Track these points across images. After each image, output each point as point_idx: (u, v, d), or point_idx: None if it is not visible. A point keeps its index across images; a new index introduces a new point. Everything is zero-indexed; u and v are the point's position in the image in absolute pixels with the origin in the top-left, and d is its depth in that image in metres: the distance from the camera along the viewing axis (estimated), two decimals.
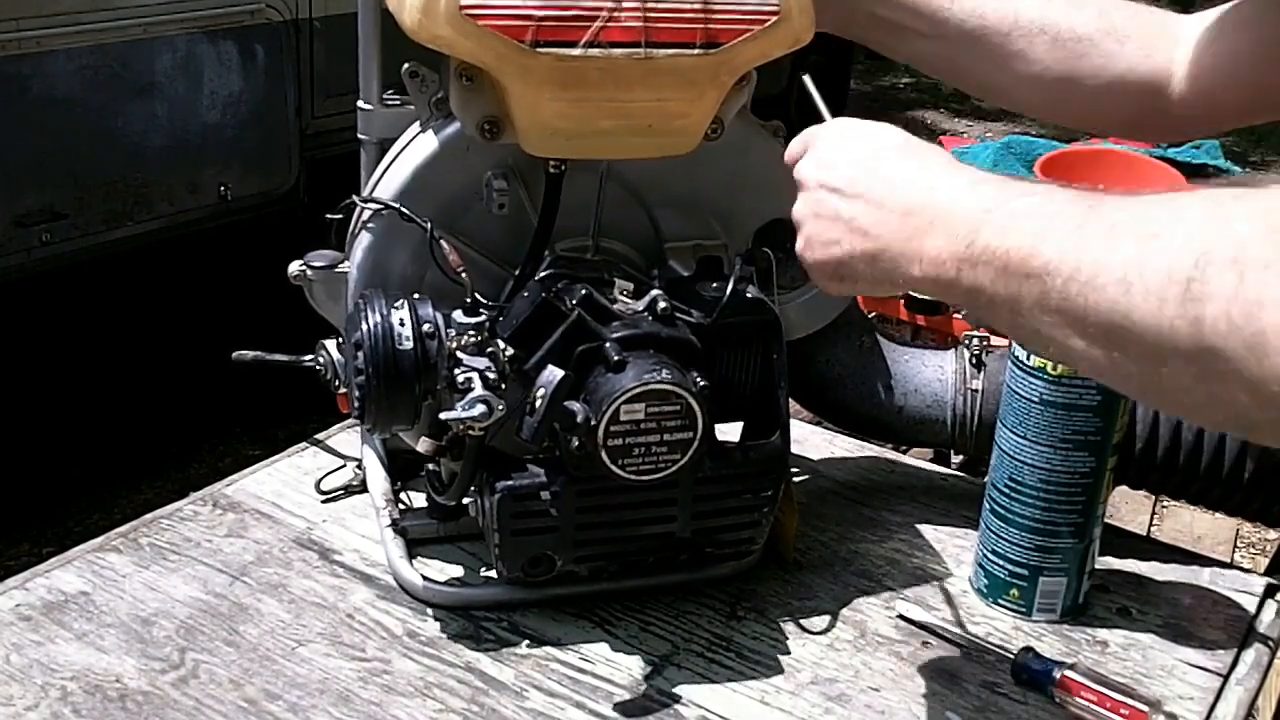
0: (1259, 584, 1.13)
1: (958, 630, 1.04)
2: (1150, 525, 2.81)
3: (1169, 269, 0.56)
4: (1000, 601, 1.07)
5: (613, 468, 0.95)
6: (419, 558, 1.09)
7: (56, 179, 2.79)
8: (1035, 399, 1.01)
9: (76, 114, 2.78)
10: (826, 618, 1.06)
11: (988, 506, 1.07)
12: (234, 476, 1.23)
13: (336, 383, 1.05)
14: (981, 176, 0.72)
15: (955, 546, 1.17)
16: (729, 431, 1.06)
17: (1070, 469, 1.02)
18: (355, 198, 1.09)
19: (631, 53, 0.96)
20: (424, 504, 1.13)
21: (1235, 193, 0.58)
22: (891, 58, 1.16)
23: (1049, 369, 0.99)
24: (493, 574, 1.05)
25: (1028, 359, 1.01)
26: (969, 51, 1.07)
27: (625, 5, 0.95)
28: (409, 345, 0.94)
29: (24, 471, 2.98)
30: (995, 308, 0.67)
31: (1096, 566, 1.08)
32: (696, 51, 0.97)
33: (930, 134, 6.42)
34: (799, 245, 0.83)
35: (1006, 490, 1.05)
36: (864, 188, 0.76)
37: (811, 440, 1.36)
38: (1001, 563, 1.06)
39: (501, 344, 0.97)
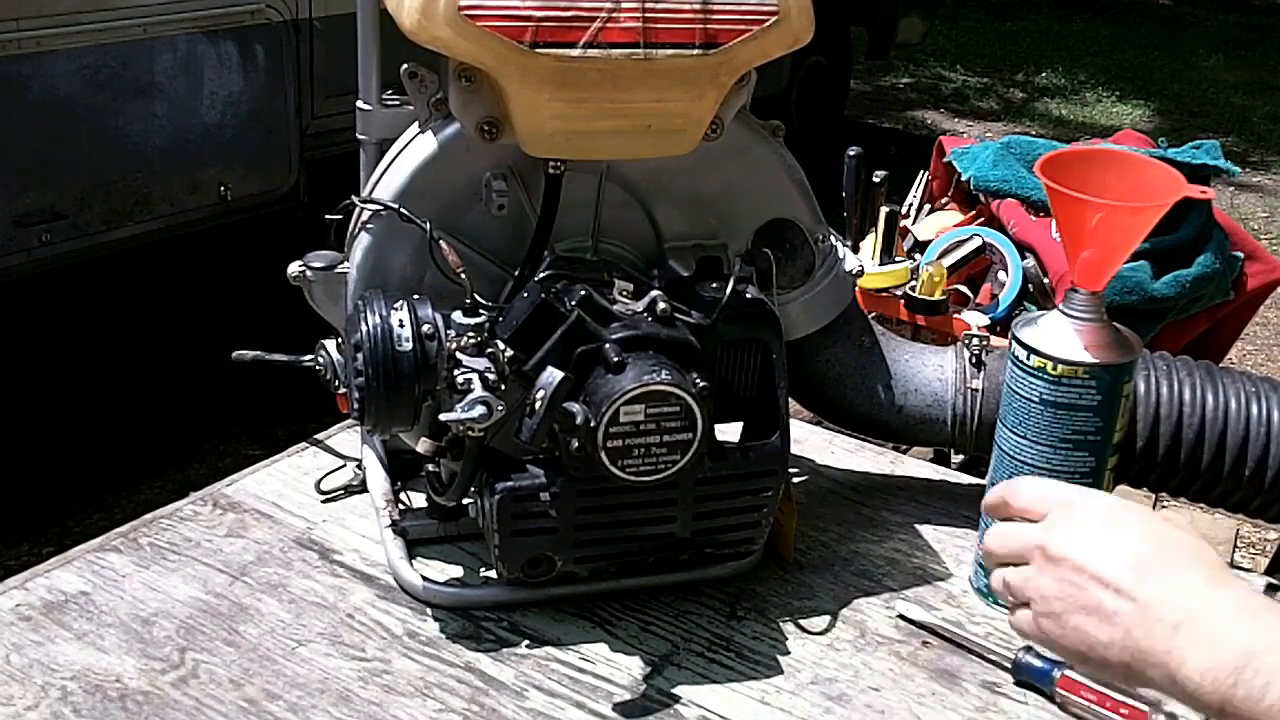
0: (1259, 584, 1.13)
1: (958, 630, 1.04)
2: None
3: None
4: (1000, 602, 1.07)
5: (612, 469, 0.95)
6: (419, 558, 1.09)
7: (56, 179, 2.78)
8: (1035, 399, 1.00)
9: (76, 114, 2.78)
10: (826, 618, 1.06)
11: None
12: (234, 476, 1.23)
13: (336, 383, 1.05)
14: (1247, 602, 0.70)
15: (955, 546, 1.17)
16: (729, 431, 1.06)
17: (1070, 469, 1.01)
18: (355, 198, 1.09)
19: (630, 53, 0.96)
20: (424, 504, 1.13)
21: None
22: None
23: (1049, 369, 0.99)
24: (493, 574, 1.06)
25: (1027, 358, 1.01)
26: None
27: (624, 6, 0.95)
28: (408, 346, 0.94)
29: (24, 471, 2.98)
30: None
31: None
32: (696, 52, 0.97)
33: (930, 134, 6.42)
34: (1034, 613, 0.77)
35: None
36: (1135, 590, 0.72)
37: (811, 440, 1.36)
38: None
39: (501, 345, 0.97)
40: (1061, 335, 1.00)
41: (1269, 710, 0.65)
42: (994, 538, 0.81)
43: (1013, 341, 1.03)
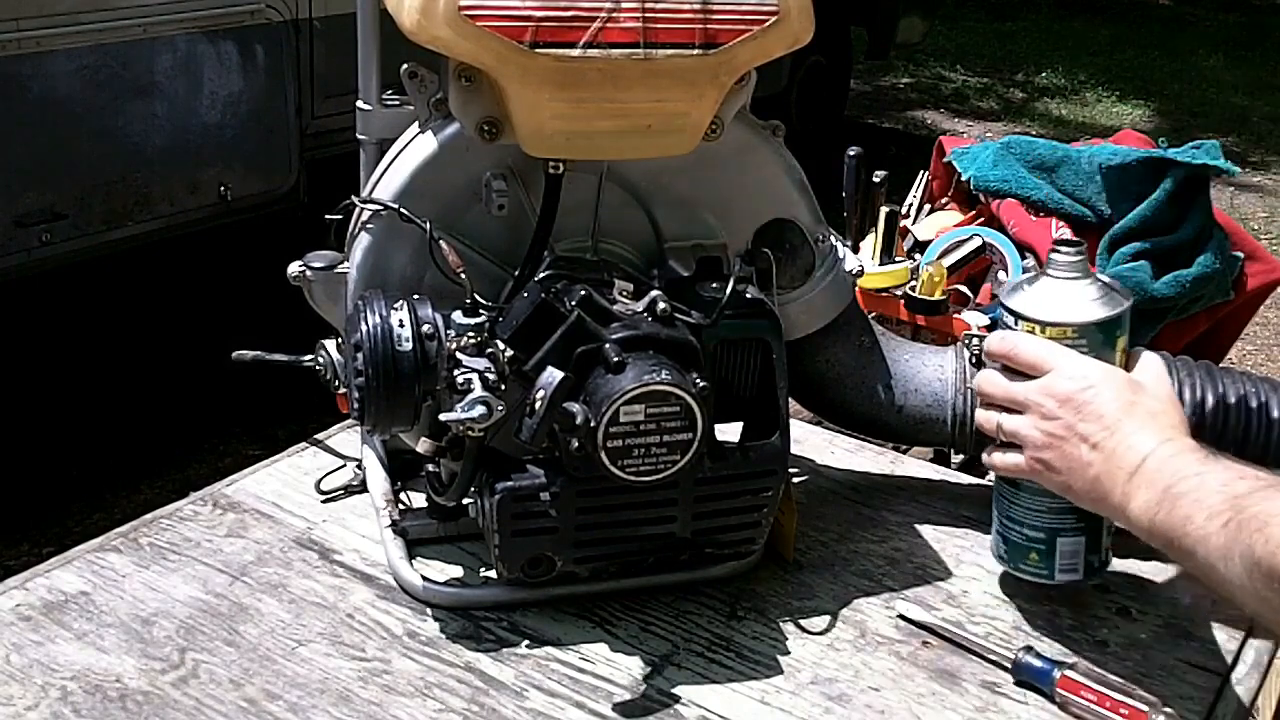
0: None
1: (958, 630, 1.04)
2: None
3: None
4: (1022, 567, 1.05)
5: (612, 469, 0.95)
6: (419, 558, 1.09)
7: (56, 179, 2.79)
8: None
9: (76, 114, 2.78)
10: (826, 618, 1.06)
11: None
12: (234, 476, 1.23)
13: (336, 383, 1.05)
14: (1179, 447, 0.90)
15: (955, 546, 1.17)
16: (729, 431, 1.06)
17: None
18: (355, 198, 1.09)
19: (630, 53, 0.96)
20: (424, 504, 1.13)
21: None
22: None
23: (1038, 333, 0.99)
24: (493, 574, 1.06)
25: (1016, 325, 1.01)
26: None
27: (624, 6, 0.95)
28: (408, 346, 0.94)
29: (24, 471, 2.98)
30: (1174, 558, 0.90)
31: None
32: (695, 52, 0.97)
33: (930, 134, 6.42)
34: (1027, 456, 0.98)
35: None
36: (1105, 443, 0.93)
37: (811, 440, 1.36)
38: (1017, 528, 1.04)
39: (501, 345, 0.97)
40: (1047, 297, 1.00)
41: (1177, 523, 0.86)
42: (994, 384, 1.00)
43: (1001, 310, 1.02)
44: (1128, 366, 1.00)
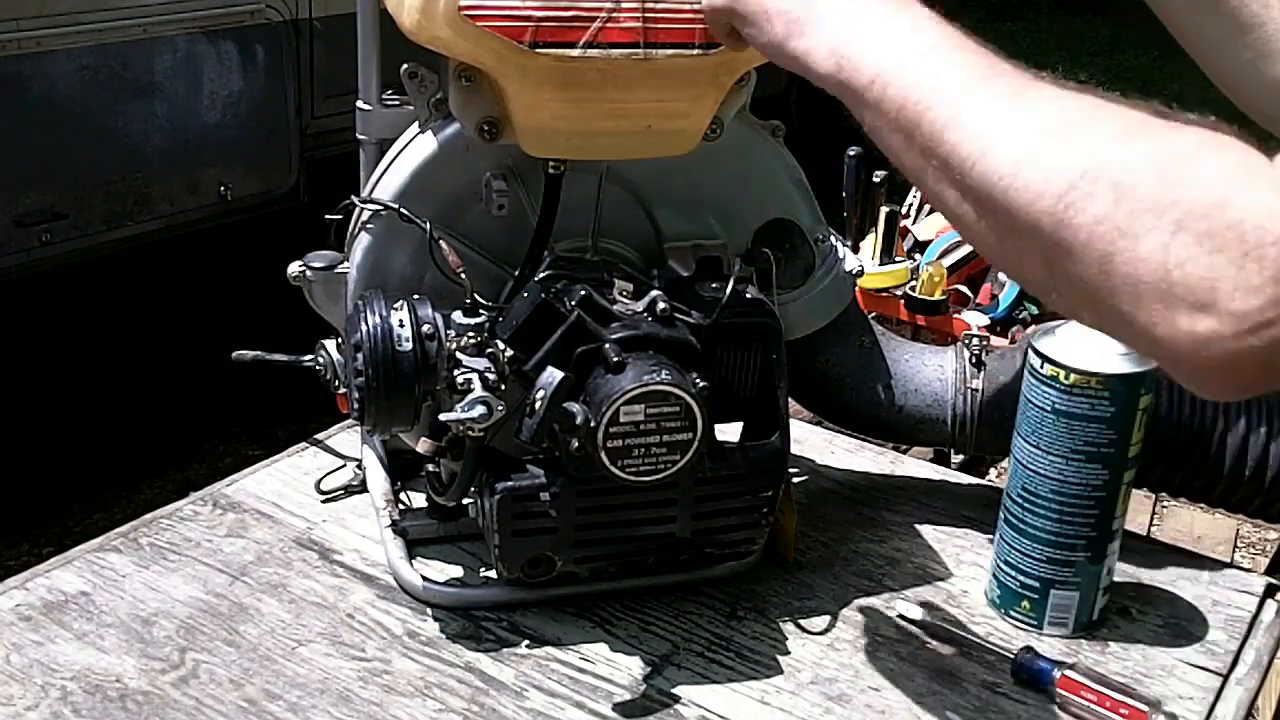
0: (1259, 584, 1.13)
1: (958, 630, 1.04)
2: (1150, 525, 2.82)
3: (1060, 167, 0.62)
4: (1012, 614, 1.06)
5: (612, 469, 0.95)
6: (419, 558, 1.09)
7: (56, 179, 2.79)
8: (1048, 408, 0.99)
9: (76, 114, 2.78)
10: (826, 618, 1.06)
11: (1002, 516, 1.06)
12: (234, 476, 1.23)
13: (336, 383, 1.05)
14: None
15: (955, 546, 1.17)
16: (729, 431, 1.06)
17: (1083, 481, 1.00)
18: (355, 198, 1.09)
19: (630, 53, 0.96)
20: (424, 504, 1.13)
21: (1144, 121, 0.65)
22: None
23: (1061, 378, 0.98)
24: (493, 574, 1.06)
25: (1041, 367, 0.99)
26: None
27: (624, 6, 0.95)
28: (408, 346, 0.94)
29: (24, 471, 2.98)
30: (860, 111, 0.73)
31: None
32: (695, 52, 0.97)
33: None
34: None
35: (1020, 500, 1.03)
36: None
37: (811, 440, 1.36)
38: (1014, 574, 1.05)
39: (501, 345, 0.97)
40: (1076, 344, 0.99)
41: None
42: None
43: (1029, 350, 1.02)
44: None
